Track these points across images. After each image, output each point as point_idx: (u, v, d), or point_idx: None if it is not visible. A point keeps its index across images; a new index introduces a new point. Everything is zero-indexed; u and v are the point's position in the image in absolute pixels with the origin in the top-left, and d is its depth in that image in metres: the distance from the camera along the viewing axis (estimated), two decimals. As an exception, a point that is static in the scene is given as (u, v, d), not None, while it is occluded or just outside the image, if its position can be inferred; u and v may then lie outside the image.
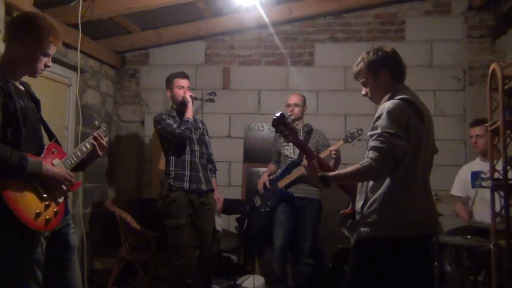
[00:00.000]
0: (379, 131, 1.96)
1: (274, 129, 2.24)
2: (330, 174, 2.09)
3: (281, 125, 2.20)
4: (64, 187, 2.02)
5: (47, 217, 1.93)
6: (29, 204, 1.87)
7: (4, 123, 1.88)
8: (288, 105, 3.93)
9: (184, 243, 3.48)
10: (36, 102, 2.15)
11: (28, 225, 1.84)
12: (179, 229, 3.47)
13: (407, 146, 1.96)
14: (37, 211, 1.88)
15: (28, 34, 1.98)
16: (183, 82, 3.68)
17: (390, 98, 2.10)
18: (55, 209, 1.98)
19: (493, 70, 2.34)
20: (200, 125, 3.79)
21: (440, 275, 3.02)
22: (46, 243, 2.04)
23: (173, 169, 3.55)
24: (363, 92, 2.23)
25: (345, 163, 4.62)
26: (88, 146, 2.23)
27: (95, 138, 2.25)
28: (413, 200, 2.03)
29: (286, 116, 2.21)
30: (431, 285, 2.84)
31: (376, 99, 2.21)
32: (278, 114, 2.19)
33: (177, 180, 3.52)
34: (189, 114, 3.58)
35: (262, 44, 4.96)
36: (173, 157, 3.59)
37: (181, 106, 3.64)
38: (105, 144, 2.29)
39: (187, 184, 3.54)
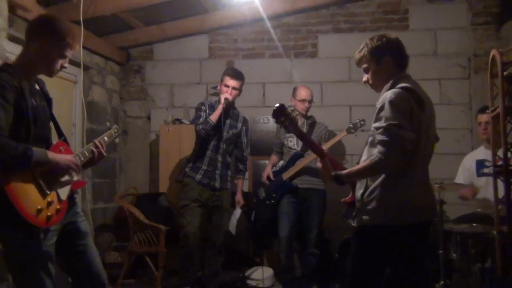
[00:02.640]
0: (384, 124, 1.96)
1: (274, 120, 2.25)
2: (343, 173, 2.10)
3: (282, 115, 2.21)
4: (73, 174, 2.06)
5: (49, 214, 1.96)
6: (31, 200, 1.91)
7: (16, 121, 1.93)
8: (303, 101, 3.88)
9: (184, 223, 3.63)
10: (49, 100, 2.20)
11: (29, 220, 1.88)
12: (184, 210, 3.66)
13: (413, 136, 1.96)
14: (39, 207, 1.92)
15: (47, 35, 2.02)
16: (231, 82, 3.68)
17: (391, 87, 2.10)
18: (58, 207, 2.01)
19: (493, 57, 2.33)
20: (239, 124, 3.84)
21: (446, 263, 3.03)
22: (55, 237, 2.08)
23: (193, 159, 3.73)
24: (364, 79, 2.22)
25: (351, 154, 4.66)
26: (87, 154, 2.24)
27: (95, 146, 2.27)
28: (413, 187, 2.05)
29: (286, 106, 2.22)
30: (431, 272, 2.84)
31: (378, 86, 2.20)
32: (278, 105, 2.20)
33: (193, 170, 3.71)
34: (214, 116, 3.60)
35: (265, 37, 4.97)
36: (197, 149, 3.74)
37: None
38: (104, 154, 2.29)
39: (199, 176, 3.67)
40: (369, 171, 2.03)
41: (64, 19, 2.17)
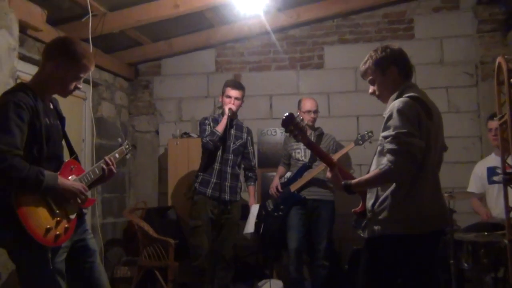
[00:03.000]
0: (393, 132, 1.95)
1: (284, 129, 2.25)
2: (353, 182, 2.10)
3: (291, 124, 2.22)
4: (79, 200, 2.09)
5: (57, 233, 1.98)
6: (40, 219, 1.93)
7: (29, 140, 1.97)
8: (309, 112, 3.90)
9: (198, 244, 3.62)
10: (62, 119, 2.25)
11: (37, 240, 1.90)
12: (195, 230, 3.64)
13: (422, 144, 1.96)
14: (48, 226, 1.94)
15: (64, 57, 2.08)
16: (232, 93, 3.72)
17: (398, 96, 2.10)
18: (66, 225, 2.04)
19: (499, 64, 2.33)
20: (245, 135, 3.88)
21: (457, 273, 2.99)
22: (66, 253, 2.10)
23: (202, 174, 3.74)
24: (371, 90, 2.23)
25: (359, 164, 4.64)
26: (97, 172, 2.28)
27: (106, 163, 2.30)
28: (424, 197, 2.03)
29: (296, 116, 2.23)
30: (443, 281, 2.81)
31: (384, 97, 2.20)
32: (287, 114, 2.21)
33: (202, 185, 3.70)
34: (220, 127, 3.63)
35: (272, 49, 5.01)
36: (204, 162, 3.74)
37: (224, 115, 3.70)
38: (115, 171, 2.32)
39: (210, 190, 3.68)
40: (378, 180, 2.02)
41: (80, 41, 2.22)
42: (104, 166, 2.28)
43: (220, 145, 3.68)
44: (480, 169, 3.65)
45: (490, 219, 3.45)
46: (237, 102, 3.74)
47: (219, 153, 3.71)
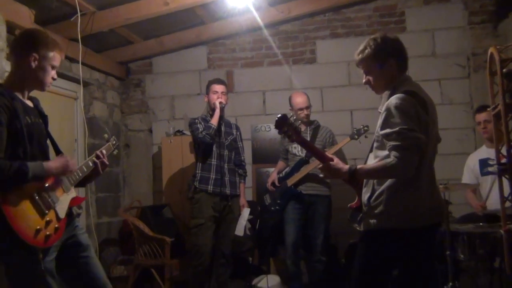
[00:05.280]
0: (396, 129, 1.92)
1: (277, 131, 2.23)
2: (358, 168, 2.04)
3: (285, 126, 2.19)
4: (70, 170, 2.08)
5: (47, 233, 1.96)
6: (30, 220, 1.91)
7: (11, 140, 1.93)
8: (301, 109, 3.88)
9: (200, 243, 3.60)
10: (44, 117, 2.21)
11: (27, 242, 1.88)
12: (198, 229, 3.62)
13: (425, 139, 1.95)
14: (37, 227, 1.92)
15: (36, 49, 2.05)
16: (218, 88, 3.77)
17: (393, 90, 2.08)
18: (56, 225, 2.02)
19: (492, 54, 2.32)
20: (234, 131, 3.92)
21: (453, 264, 3.00)
22: (55, 253, 2.08)
23: (199, 172, 3.72)
24: (365, 80, 2.17)
25: (354, 158, 4.64)
26: (91, 164, 2.27)
27: (97, 156, 2.29)
28: (420, 191, 2.02)
29: (289, 116, 2.21)
30: (439, 274, 2.82)
31: (379, 89, 2.16)
32: (280, 115, 2.18)
33: (202, 182, 3.68)
34: (214, 120, 3.66)
35: (263, 45, 4.99)
36: (201, 160, 3.74)
37: (213, 111, 3.73)
38: (107, 163, 2.32)
39: (211, 187, 3.66)
40: (384, 173, 1.98)
41: (45, 31, 2.20)
42: (96, 160, 2.27)
43: (216, 137, 3.68)
44: (472, 162, 3.67)
45: (484, 210, 3.47)
46: (224, 97, 3.77)
47: (215, 149, 3.71)
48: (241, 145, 3.98)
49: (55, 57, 2.10)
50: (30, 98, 2.16)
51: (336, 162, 2.12)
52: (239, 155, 3.93)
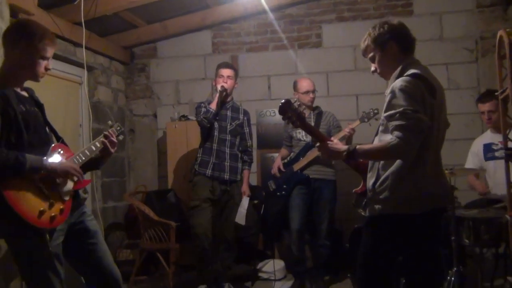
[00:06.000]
0: (399, 109, 1.90)
1: (281, 117, 2.22)
2: (358, 148, 2.00)
3: (288, 111, 2.18)
4: (74, 177, 2.07)
5: (52, 214, 1.97)
6: (32, 203, 1.92)
7: (5, 129, 1.93)
8: (307, 92, 3.86)
9: (195, 224, 3.65)
10: (40, 106, 2.20)
11: (32, 223, 1.89)
12: (194, 211, 3.68)
13: (429, 122, 1.93)
14: (41, 209, 1.93)
15: (24, 41, 2.04)
16: (224, 72, 3.76)
17: (400, 73, 2.06)
18: (61, 207, 2.02)
19: (501, 37, 2.28)
20: (241, 116, 3.87)
21: (458, 250, 3.00)
22: (62, 237, 2.09)
23: (200, 155, 3.76)
24: (372, 68, 2.19)
25: (360, 143, 4.61)
26: (98, 145, 2.27)
27: (105, 136, 2.29)
28: (426, 176, 2.00)
29: (293, 102, 2.20)
30: (444, 258, 2.81)
31: (386, 74, 2.15)
32: (283, 101, 2.17)
33: (202, 166, 3.72)
34: (213, 104, 3.66)
35: (269, 29, 4.94)
36: (202, 144, 3.76)
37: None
38: (116, 141, 2.32)
39: (210, 171, 3.69)
40: (384, 153, 1.96)
41: (36, 21, 2.18)
42: (104, 139, 2.27)
43: (214, 122, 3.69)
44: (476, 146, 3.64)
45: (488, 195, 3.45)
46: (229, 81, 3.75)
47: (216, 133, 3.71)
48: (247, 130, 3.94)
49: (45, 49, 2.08)
50: (25, 89, 2.16)
51: (336, 142, 2.11)
52: (244, 141, 3.91)
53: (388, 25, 2.12)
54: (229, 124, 3.78)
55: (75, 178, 2.10)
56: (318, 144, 2.14)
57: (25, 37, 2.04)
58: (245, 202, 3.88)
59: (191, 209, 3.73)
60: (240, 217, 3.83)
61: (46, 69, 2.12)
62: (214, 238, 3.74)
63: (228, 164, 3.74)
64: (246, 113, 3.96)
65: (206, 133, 3.73)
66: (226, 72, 3.75)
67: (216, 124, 3.73)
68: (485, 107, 3.46)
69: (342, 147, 2.07)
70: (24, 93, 2.14)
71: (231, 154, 3.77)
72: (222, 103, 3.75)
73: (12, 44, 2.05)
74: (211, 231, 3.70)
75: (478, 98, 3.64)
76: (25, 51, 2.04)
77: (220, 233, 3.77)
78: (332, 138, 2.17)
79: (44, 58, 2.09)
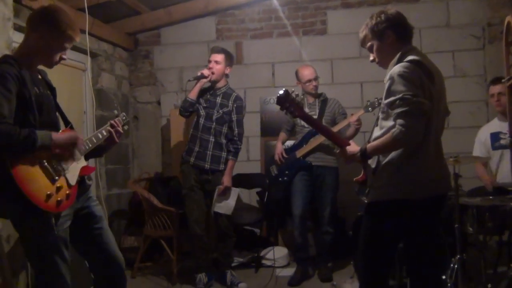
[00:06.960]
0: (399, 96, 1.91)
1: (279, 107, 2.23)
2: (368, 147, 2.05)
3: (287, 102, 2.19)
4: (79, 147, 2.09)
5: (59, 198, 1.97)
6: (40, 186, 1.92)
7: (20, 109, 1.94)
8: (309, 80, 3.84)
9: (187, 212, 3.72)
10: (52, 90, 2.21)
11: (39, 206, 1.89)
12: (184, 199, 3.73)
13: (430, 105, 1.92)
14: (48, 192, 1.93)
15: (48, 27, 2.03)
16: (212, 57, 3.71)
17: (398, 60, 2.05)
18: (67, 192, 2.03)
19: (508, 23, 2.25)
20: (230, 103, 3.70)
21: (462, 237, 2.99)
22: (69, 222, 2.10)
23: (189, 143, 3.76)
24: (371, 57, 2.20)
25: (363, 131, 4.60)
26: (105, 133, 2.29)
27: (111, 125, 2.31)
28: (426, 162, 2.01)
29: (291, 92, 2.20)
30: (448, 245, 2.81)
31: (384, 63, 2.16)
32: (282, 92, 2.18)
33: (187, 154, 3.74)
34: (192, 93, 3.68)
35: (273, 15, 4.89)
36: (191, 132, 3.76)
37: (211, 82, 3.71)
38: (121, 131, 2.34)
39: (193, 159, 3.69)
40: (392, 145, 1.97)
41: (64, 10, 2.16)
42: (110, 128, 2.29)
43: (194, 110, 3.69)
44: (483, 135, 3.61)
45: (494, 184, 3.43)
46: (217, 66, 3.66)
47: (201, 121, 3.67)
48: (235, 118, 3.70)
49: (66, 39, 2.07)
50: (38, 71, 2.16)
51: (351, 145, 2.17)
52: (231, 129, 3.70)
53: (384, 14, 2.12)
54: (216, 112, 3.66)
55: (78, 155, 2.11)
56: (338, 150, 2.21)
57: (50, 24, 2.03)
58: (234, 193, 3.72)
59: (182, 197, 3.76)
60: (227, 208, 3.69)
61: (61, 58, 2.12)
62: (207, 226, 3.75)
63: (210, 153, 3.65)
64: (236, 99, 3.71)
65: (195, 121, 3.72)
66: (213, 57, 3.67)
67: (203, 112, 3.67)
68: (496, 89, 3.41)
69: (355, 149, 2.12)
70: (38, 75, 2.15)
71: (216, 142, 3.65)
72: (209, 89, 3.71)
73: (35, 27, 2.04)
74: (203, 216, 3.72)
75: (490, 81, 3.59)
76: (47, 36, 2.03)
77: (215, 222, 3.75)
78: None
79: (63, 48, 2.09)
